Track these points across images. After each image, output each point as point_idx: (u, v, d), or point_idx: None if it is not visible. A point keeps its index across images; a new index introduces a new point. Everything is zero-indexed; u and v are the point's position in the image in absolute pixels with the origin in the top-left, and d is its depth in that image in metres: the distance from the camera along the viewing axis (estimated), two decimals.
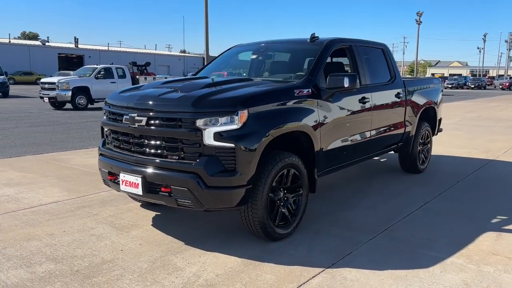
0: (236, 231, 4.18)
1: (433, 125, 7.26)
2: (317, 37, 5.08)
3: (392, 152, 6.50)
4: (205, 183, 3.49)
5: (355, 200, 5.39)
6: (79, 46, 71.68)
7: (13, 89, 34.36)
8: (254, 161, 3.59)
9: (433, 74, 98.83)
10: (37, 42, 73.67)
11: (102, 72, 19.82)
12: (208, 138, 3.49)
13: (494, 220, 4.69)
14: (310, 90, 4.27)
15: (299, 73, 4.63)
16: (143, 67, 23.02)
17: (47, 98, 18.66)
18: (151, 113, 3.70)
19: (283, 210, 4.01)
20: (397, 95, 5.91)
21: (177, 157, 3.64)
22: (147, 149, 3.78)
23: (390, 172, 6.96)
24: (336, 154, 4.73)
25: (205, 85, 4.05)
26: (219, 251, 3.78)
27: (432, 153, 8.48)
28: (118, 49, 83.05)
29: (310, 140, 4.25)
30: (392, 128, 5.88)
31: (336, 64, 5.68)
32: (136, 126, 3.76)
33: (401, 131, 6.11)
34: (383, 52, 5.98)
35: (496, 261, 3.64)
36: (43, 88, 19.05)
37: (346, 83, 4.35)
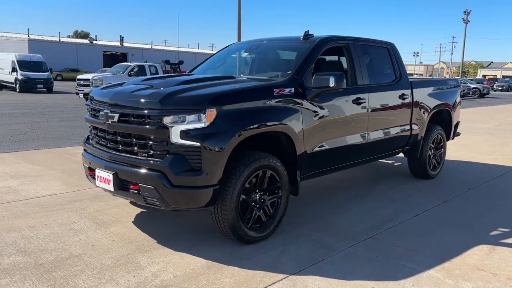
0: (215, 231, 4.11)
1: (448, 129, 6.88)
2: (311, 35, 4.91)
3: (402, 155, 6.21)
4: (170, 182, 3.44)
5: (350, 204, 5.18)
6: (124, 44, 73.97)
7: (60, 85, 35.95)
8: (222, 161, 3.50)
9: (484, 76, 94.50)
10: (85, 41, 76.67)
11: (135, 70, 20.31)
12: (175, 136, 3.44)
13: (493, 233, 4.36)
14: (292, 89, 4.13)
15: (286, 72, 4.49)
16: (176, 65, 23.40)
17: (82, 94, 19.33)
18: (122, 110, 3.70)
19: (258, 212, 3.90)
20: (402, 96, 5.62)
21: (146, 155, 3.61)
22: (120, 146, 3.78)
23: (399, 176, 6.66)
24: (324, 157, 4.56)
25: (180, 82, 4.00)
26: (188, 251, 3.73)
27: (454, 158, 8.10)
28: (161, 47, 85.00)
29: (292, 142, 4.11)
30: (395, 131, 5.61)
31: (332, 64, 5.47)
32: (109, 122, 3.77)
33: (406, 134, 5.82)
34: (388, 51, 5.72)
35: (478, 277, 3.37)
36: (78, 84, 19.77)
37: (331, 83, 4.17)
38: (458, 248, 3.91)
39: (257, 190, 3.89)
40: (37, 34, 71.34)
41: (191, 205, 3.55)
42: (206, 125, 3.44)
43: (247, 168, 3.69)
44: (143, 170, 3.54)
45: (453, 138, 7.21)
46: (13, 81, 28.72)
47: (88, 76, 19.88)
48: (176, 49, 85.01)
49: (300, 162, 4.25)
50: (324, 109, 4.43)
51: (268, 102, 3.90)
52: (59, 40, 71.48)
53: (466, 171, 7.22)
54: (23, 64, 29.35)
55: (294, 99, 4.12)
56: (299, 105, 4.16)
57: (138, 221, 4.44)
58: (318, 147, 4.43)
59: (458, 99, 7.00)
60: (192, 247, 3.82)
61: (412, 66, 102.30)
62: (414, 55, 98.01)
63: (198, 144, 3.41)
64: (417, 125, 6.00)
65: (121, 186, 3.72)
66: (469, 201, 5.49)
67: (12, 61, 29.55)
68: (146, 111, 3.54)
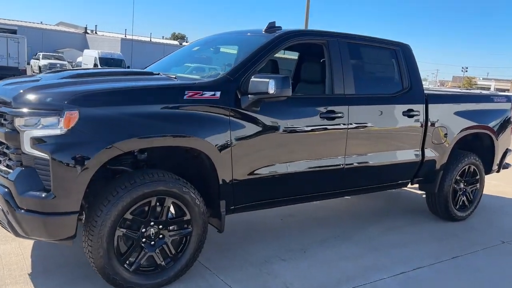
0: None
1: (489, 159, 5.33)
2: (278, 27, 3.85)
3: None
4: (15, 202, 2.65)
5: (318, 247, 4.01)
6: None
7: None
8: (82, 181, 2.64)
9: None
10: (175, 42, 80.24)
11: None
12: (26, 144, 2.65)
13: None
14: (218, 93, 3.14)
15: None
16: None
17: None
18: None
19: (149, 252, 2.97)
20: (409, 113, 4.31)
21: (5, 165, 2.86)
22: None
23: (413, 212, 5.25)
24: (270, 185, 3.50)
25: (65, 77, 3.21)
26: None
27: (500, 195, 6.41)
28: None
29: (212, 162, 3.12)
30: (395, 156, 4.31)
31: (305, 66, 4.35)
32: None
33: (414, 160, 4.48)
34: (396, 54, 4.42)
35: None
36: None
37: (271, 88, 3.11)
38: None
39: (152, 223, 2.96)
40: (135, 35, 76.25)
41: (43, 235, 2.73)
42: (63, 132, 2.60)
43: (129, 193, 2.79)
44: None
45: (498, 171, 5.61)
46: None
47: None
48: None
49: (227, 190, 3.24)
50: (270, 122, 3.37)
51: (171, 108, 2.96)
52: (150, 40, 75.60)
53: (510, 214, 5.59)
54: (104, 61, 31.04)
55: (219, 106, 3.13)
56: (228, 115, 3.15)
57: (25, 245, 3.67)
58: (259, 171, 3.38)
59: (506, 120, 5.41)
60: (64, 284, 3.00)
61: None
62: (462, 70, 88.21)
63: (46, 156, 2.58)
64: (433, 150, 4.61)
65: None
66: (492, 260, 4.03)
67: (94, 57, 31.41)
68: (2, 110, 2.80)
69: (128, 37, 68.38)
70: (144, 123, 2.82)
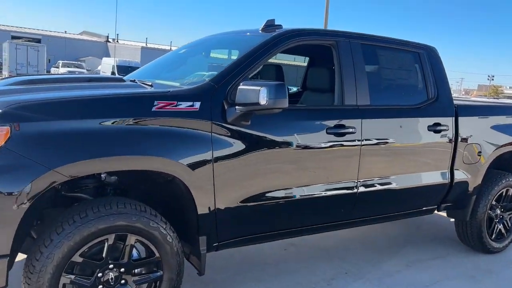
0: None
1: None
2: (277, 25, 3.25)
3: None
4: None
5: (345, 280, 3.35)
6: None
7: None
8: (12, 217, 2.07)
9: None
10: None
11: None
12: None
13: None
14: (197, 104, 2.55)
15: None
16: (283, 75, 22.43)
17: None
18: None
19: None
20: (435, 127, 3.62)
21: None
22: None
23: (441, 241, 4.52)
24: (263, 215, 2.88)
25: (14, 83, 2.70)
26: None
27: None
28: None
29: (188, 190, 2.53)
30: (419, 179, 3.63)
31: (319, 73, 3.72)
32: None
33: (441, 183, 3.78)
34: (420, 58, 3.75)
35: None
36: None
37: (262, 98, 2.50)
38: None
39: (111, 266, 2.37)
40: (155, 43, 76.98)
41: None
42: None
43: (78, 230, 2.22)
44: None
45: None
46: None
47: None
48: None
49: (208, 223, 2.64)
50: (264, 140, 2.76)
51: (134, 122, 2.37)
52: (170, 48, 76.21)
53: None
54: (121, 69, 31.03)
55: (199, 120, 2.53)
56: (210, 131, 2.56)
57: None
58: (250, 198, 2.76)
59: None
60: None
61: None
62: (488, 79, 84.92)
63: None
64: (464, 171, 3.90)
65: None
66: None
67: (112, 65, 31.47)
68: None
69: (149, 45, 69.07)
70: (96, 142, 2.24)
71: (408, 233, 4.83)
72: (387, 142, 3.33)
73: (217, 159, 2.57)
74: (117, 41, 65.26)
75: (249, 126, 2.67)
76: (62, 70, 32.00)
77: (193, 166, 2.48)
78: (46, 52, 30.29)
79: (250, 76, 2.89)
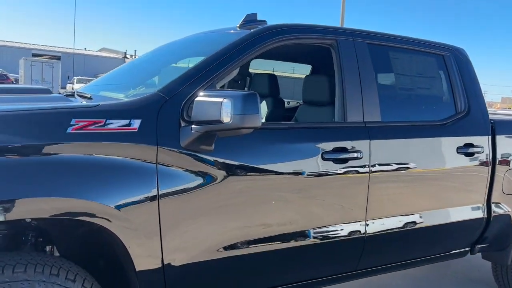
0: None
1: None
2: (260, 21, 2.55)
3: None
4: None
5: None
6: None
7: None
8: None
9: None
10: None
11: None
12: None
13: None
14: (135, 122, 1.86)
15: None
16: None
17: None
18: None
19: None
20: (466, 149, 2.84)
21: None
22: None
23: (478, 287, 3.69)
24: (231, 272, 2.13)
25: None
26: None
27: None
28: None
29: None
30: (446, 214, 2.84)
31: (314, 81, 2.98)
32: None
33: (475, 218, 2.97)
34: (445, 62, 2.98)
35: None
36: None
37: (225, 114, 1.79)
38: None
39: None
40: None
41: None
42: None
43: None
44: None
45: None
46: None
47: None
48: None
49: (152, 284, 1.91)
50: (234, 169, 2.04)
51: (41, 149, 1.68)
52: None
53: None
54: None
55: (138, 145, 1.84)
56: (154, 161, 1.86)
57: None
58: (215, 249, 2.03)
59: None
60: None
61: None
62: None
63: None
64: (504, 203, 3.09)
65: None
66: None
67: None
68: None
69: None
70: None
71: (434, 274, 4.00)
72: (403, 170, 2.57)
73: (164, 200, 1.86)
74: (135, 57, 65.98)
75: (211, 152, 1.96)
76: (77, 86, 32.08)
77: (127, 210, 1.78)
78: (65, 68, 30.40)
79: (221, 85, 2.20)
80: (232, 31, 2.53)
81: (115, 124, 1.81)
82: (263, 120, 3.56)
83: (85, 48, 67.45)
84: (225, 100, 1.80)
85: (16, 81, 33.10)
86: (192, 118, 1.90)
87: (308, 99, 3.00)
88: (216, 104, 1.82)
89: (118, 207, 1.75)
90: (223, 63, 2.14)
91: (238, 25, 2.55)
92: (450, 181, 2.84)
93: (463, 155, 2.83)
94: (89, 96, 2.25)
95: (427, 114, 2.90)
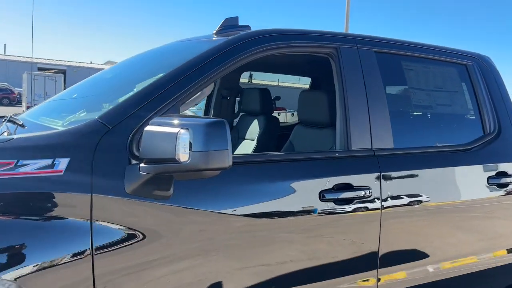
0: None
1: None
2: (243, 26, 2.07)
3: None
4: None
5: None
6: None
7: None
8: None
9: None
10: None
11: None
12: None
13: None
14: (60, 162, 1.37)
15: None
16: (272, 101, 21.21)
17: None
18: None
19: None
20: (499, 178, 2.31)
21: None
22: None
23: None
24: None
25: None
26: None
27: None
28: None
29: None
30: (476, 261, 2.31)
31: (309, 99, 2.48)
32: None
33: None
34: (469, 73, 2.47)
35: None
36: None
37: (182, 151, 1.30)
38: None
39: None
40: None
41: None
42: None
43: None
44: None
45: None
46: None
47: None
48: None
49: None
50: (199, 221, 1.53)
51: None
52: None
53: None
54: None
55: (63, 194, 1.35)
56: (87, 216, 1.36)
57: None
58: None
59: None
60: None
61: None
62: None
63: None
64: None
65: None
66: None
67: None
68: None
69: None
70: None
71: None
72: (422, 210, 2.06)
73: (101, 273, 1.36)
74: None
75: (170, 199, 1.46)
76: None
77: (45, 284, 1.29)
78: (71, 82, 30.07)
79: (188, 107, 1.72)
80: (208, 39, 2.05)
81: (31, 167, 1.33)
82: (254, 143, 3.08)
83: (91, 62, 67.77)
84: (182, 130, 1.32)
85: (20, 95, 32.89)
86: (140, 154, 1.41)
87: (304, 118, 2.50)
88: (171, 136, 1.33)
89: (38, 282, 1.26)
90: (189, 80, 1.65)
91: (214, 31, 2.07)
92: (479, 218, 2.31)
93: (494, 186, 2.30)
94: (21, 123, 1.77)
95: (449, 137, 2.38)
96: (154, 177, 1.39)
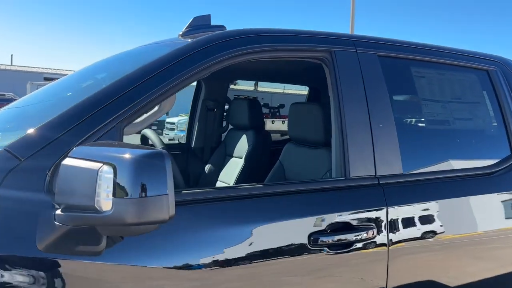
0: None
1: None
2: (216, 26, 1.69)
3: None
4: None
5: None
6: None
7: None
8: None
9: None
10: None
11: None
12: None
13: None
14: None
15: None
16: (276, 109, 20.86)
17: (167, 139, 18.09)
18: None
19: None
20: None
21: None
22: None
23: None
24: None
25: None
26: None
27: None
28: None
29: None
30: None
31: (297, 115, 2.11)
32: None
33: None
34: (490, 80, 2.08)
35: None
36: (166, 128, 18.64)
37: (103, 197, 0.91)
38: None
39: None
40: None
41: None
42: None
43: None
44: None
45: None
46: None
47: (174, 119, 18.69)
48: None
49: None
50: (147, 277, 1.14)
51: None
52: None
53: None
54: None
55: None
56: None
57: None
58: None
59: None
60: None
61: None
62: None
63: None
64: None
65: None
66: None
67: None
68: None
69: None
70: None
71: None
72: (439, 251, 1.65)
73: None
74: None
75: (100, 256, 1.08)
76: None
77: None
78: None
79: (142, 129, 1.34)
80: (171, 42, 1.67)
81: None
82: (242, 162, 2.69)
83: None
84: (104, 167, 0.94)
85: None
86: (56, 197, 1.03)
87: (294, 136, 2.12)
88: (90, 175, 0.95)
89: None
90: (137, 93, 1.28)
91: (180, 32, 1.70)
92: (508, 256, 1.91)
93: None
94: None
95: (469, 158, 1.98)
96: (72, 230, 1.01)
